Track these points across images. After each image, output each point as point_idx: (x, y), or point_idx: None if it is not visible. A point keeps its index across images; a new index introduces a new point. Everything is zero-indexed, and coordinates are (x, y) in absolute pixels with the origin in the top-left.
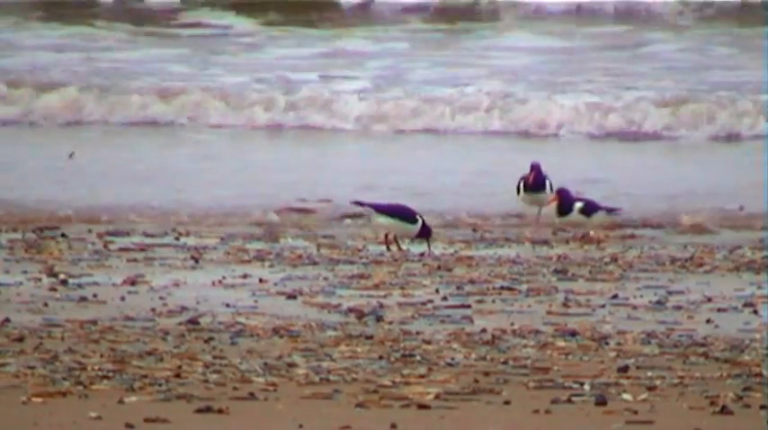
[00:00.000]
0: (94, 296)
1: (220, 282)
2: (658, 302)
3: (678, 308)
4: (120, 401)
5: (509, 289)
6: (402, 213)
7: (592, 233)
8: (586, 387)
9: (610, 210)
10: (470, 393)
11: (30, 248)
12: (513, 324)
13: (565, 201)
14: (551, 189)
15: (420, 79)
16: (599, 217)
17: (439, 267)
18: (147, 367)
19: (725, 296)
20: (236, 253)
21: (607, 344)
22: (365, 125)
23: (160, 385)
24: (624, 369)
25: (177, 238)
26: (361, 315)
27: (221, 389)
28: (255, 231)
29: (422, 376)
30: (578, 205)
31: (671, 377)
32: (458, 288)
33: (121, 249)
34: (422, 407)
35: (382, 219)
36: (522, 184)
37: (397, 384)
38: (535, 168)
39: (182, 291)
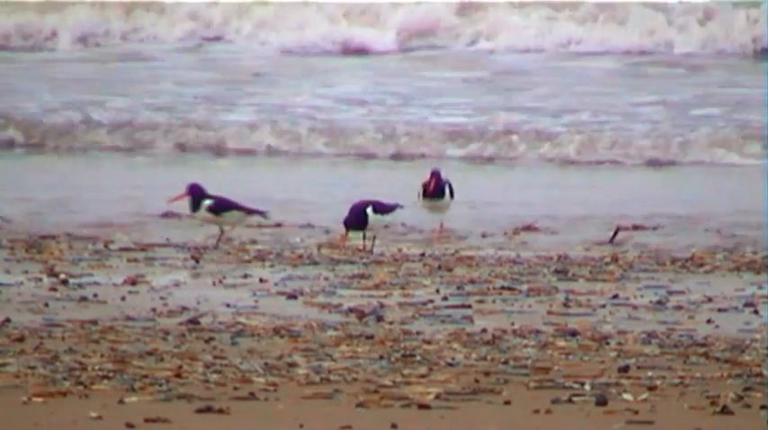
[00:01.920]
0: (95, 296)
1: (221, 281)
2: (659, 302)
3: (679, 308)
4: (121, 401)
5: (509, 289)
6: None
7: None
8: (587, 387)
9: (250, 211)
10: (471, 393)
11: (30, 248)
12: (513, 324)
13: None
14: (452, 195)
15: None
16: (234, 215)
17: (439, 267)
18: (148, 367)
19: (725, 296)
20: (237, 253)
21: (608, 344)
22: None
23: (160, 385)
24: (625, 369)
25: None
26: (361, 315)
27: (222, 389)
28: None
29: (422, 376)
30: (207, 202)
31: (671, 377)
32: (458, 288)
33: (122, 249)
34: (422, 407)
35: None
36: (421, 191)
37: (398, 384)
38: (434, 175)
39: (182, 290)
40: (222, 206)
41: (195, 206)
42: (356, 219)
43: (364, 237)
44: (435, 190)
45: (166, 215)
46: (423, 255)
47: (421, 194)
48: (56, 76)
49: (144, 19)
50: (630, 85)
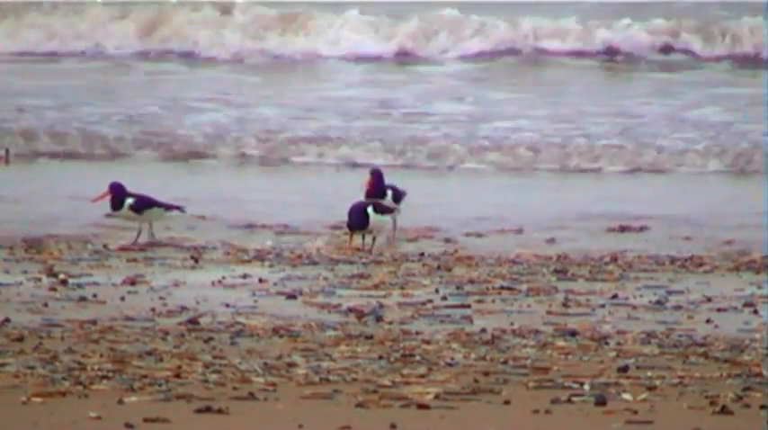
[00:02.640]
0: (94, 296)
1: (220, 282)
2: (658, 302)
3: (678, 308)
4: (120, 401)
5: (509, 289)
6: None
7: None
8: (586, 387)
9: (168, 207)
10: (470, 393)
11: (30, 248)
12: (512, 324)
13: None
14: (395, 198)
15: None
16: (154, 211)
17: (439, 267)
18: (147, 367)
19: (725, 296)
20: (236, 253)
21: (607, 344)
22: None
23: (160, 385)
24: (624, 369)
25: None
26: (360, 315)
27: (221, 389)
28: None
29: (422, 376)
30: (129, 201)
31: (671, 377)
32: (457, 288)
33: (121, 249)
34: (422, 407)
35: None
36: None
37: (397, 384)
38: (373, 175)
39: (181, 290)
40: (143, 204)
41: (117, 205)
42: (358, 220)
43: (363, 238)
44: (374, 190)
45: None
46: (422, 254)
47: (364, 196)
48: None
49: None
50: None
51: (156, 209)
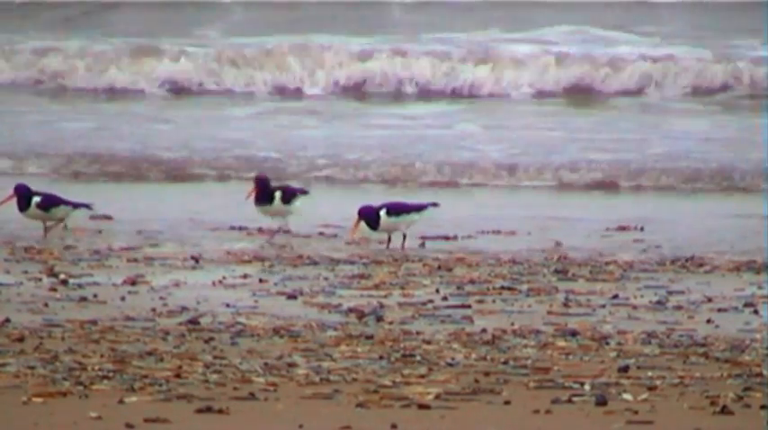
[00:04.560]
0: (94, 296)
1: (220, 282)
2: (659, 302)
3: (678, 308)
4: (121, 401)
5: (509, 289)
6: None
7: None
8: (587, 387)
9: (76, 206)
10: (471, 393)
11: (30, 248)
12: (513, 324)
13: None
14: (284, 201)
15: None
16: (61, 209)
17: (439, 267)
18: (148, 367)
19: (725, 296)
20: (237, 253)
21: (607, 344)
22: None
23: (160, 385)
24: (624, 369)
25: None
26: (361, 315)
27: (221, 390)
28: None
29: (422, 376)
30: (36, 200)
31: (671, 377)
32: (458, 288)
33: (122, 248)
34: (422, 407)
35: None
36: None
37: (398, 384)
38: (256, 181)
39: (182, 290)
40: (50, 202)
41: (24, 205)
42: (368, 216)
43: (389, 238)
44: (259, 196)
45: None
46: (421, 245)
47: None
48: None
49: None
50: None
51: (62, 207)
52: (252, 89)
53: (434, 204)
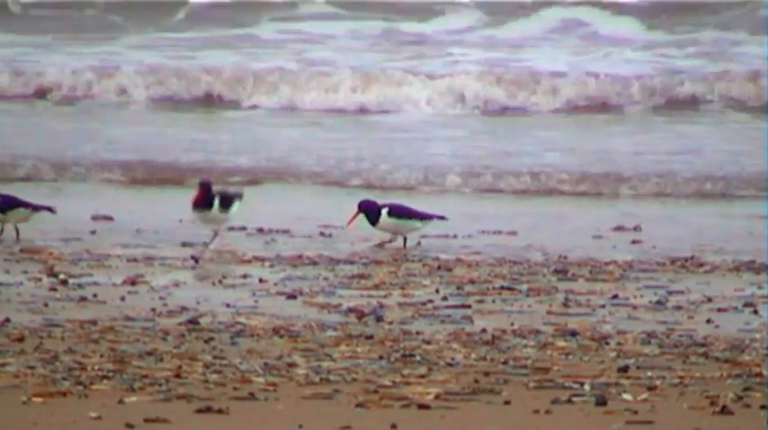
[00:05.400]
0: (94, 296)
1: (220, 282)
2: (658, 302)
3: (678, 308)
4: (120, 401)
5: (509, 289)
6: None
7: None
8: (586, 387)
9: (36, 208)
10: (470, 393)
11: (29, 248)
12: (513, 324)
13: None
14: (222, 207)
15: None
16: (20, 212)
17: (439, 267)
18: (147, 367)
19: (725, 296)
20: (237, 253)
21: (607, 344)
22: None
23: (160, 385)
24: (624, 369)
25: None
26: (361, 315)
27: (221, 390)
28: None
29: (422, 376)
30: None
31: (671, 377)
32: (458, 288)
33: (121, 247)
34: (422, 407)
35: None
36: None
37: (398, 384)
38: (200, 186)
39: (182, 290)
40: (8, 204)
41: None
42: (368, 210)
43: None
44: (200, 201)
45: None
46: (420, 244)
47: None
48: None
49: None
50: None
51: (21, 209)
52: None
53: (442, 217)
